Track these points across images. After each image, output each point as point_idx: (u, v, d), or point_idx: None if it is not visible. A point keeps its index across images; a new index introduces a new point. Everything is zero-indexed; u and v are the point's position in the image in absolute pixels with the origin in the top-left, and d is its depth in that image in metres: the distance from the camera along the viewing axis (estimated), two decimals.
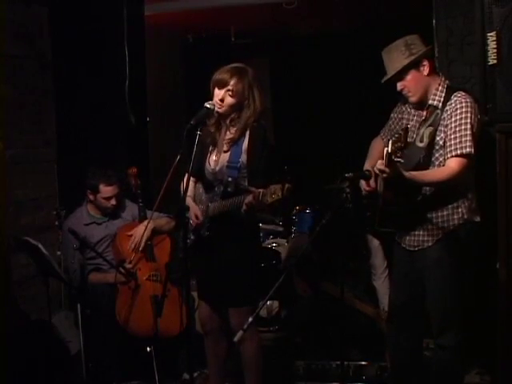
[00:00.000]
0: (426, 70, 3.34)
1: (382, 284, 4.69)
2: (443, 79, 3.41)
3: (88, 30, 4.73)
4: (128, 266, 4.16)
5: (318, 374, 4.22)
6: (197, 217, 3.54)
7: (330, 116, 6.83)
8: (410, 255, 3.47)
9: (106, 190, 4.34)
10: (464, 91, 3.35)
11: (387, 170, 3.09)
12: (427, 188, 3.32)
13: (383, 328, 4.17)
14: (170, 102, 6.88)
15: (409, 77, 3.34)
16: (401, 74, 3.33)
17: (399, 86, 3.38)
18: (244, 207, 3.32)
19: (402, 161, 3.15)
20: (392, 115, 3.63)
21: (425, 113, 3.40)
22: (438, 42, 4.18)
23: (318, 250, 4.87)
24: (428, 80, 3.36)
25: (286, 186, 3.15)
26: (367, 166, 3.57)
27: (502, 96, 3.28)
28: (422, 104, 3.41)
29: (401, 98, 3.54)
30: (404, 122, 3.53)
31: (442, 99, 3.34)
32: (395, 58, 3.34)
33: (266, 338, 4.53)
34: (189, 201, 3.57)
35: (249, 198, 3.27)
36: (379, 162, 3.14)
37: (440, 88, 3.36)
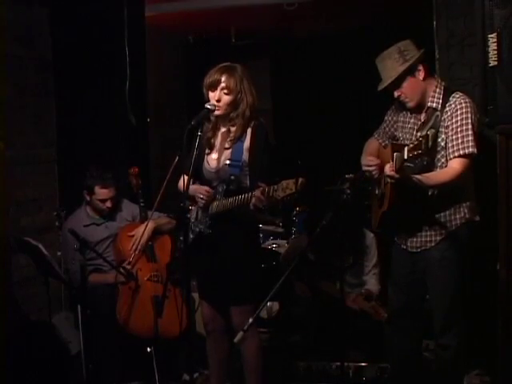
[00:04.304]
0: (421, 74, 3.33)
1: (370, 279, 4.68)
2: (439, 81, 3.41)
3: (88, 31, 4.72)
4: (127, 266, 4.16)
5: (318, 374, 4.22)
6: (207, 191, 3.48)
7: (330, 116, 6.83)
8: (410, 256, 3.48)
9: (101, 193, 4.32)
10: (461, 92, 3.35)
11: (397, 176, 3.10)
12: (431, 189, 3.32)
13: (377, 322, 4.19)
14: (170, 102, 6.88)
15: (405, 84, 3.32)
16: (397, 82, 3.31)
17: (396, 93, 3.36)
18: (253, 201, 3.23)
19: (412, 165, 3.14)
20: (386, 118, 3.62)
21: (423, 115, 3.39)
22: (439, 44, 4.19)
23: (316, 249, 4.85)
24: (424, 84, 3.35)
25: (300, 180, 3.05)
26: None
27: (502, 97, 3.28)
28: (419, 108, 3.40)
29: (395, 102, 3.53)
30: (399, 124, 3.52)
31: (441, 101, 3.33)
32: (390, 66, 3.32)
33: (266, 338, 4.52)
34: (191, 187, 3.46)
35: (257, 193, 3.20)
36: (387, 166, 3.13)
37: (437, 90, 3.36)
